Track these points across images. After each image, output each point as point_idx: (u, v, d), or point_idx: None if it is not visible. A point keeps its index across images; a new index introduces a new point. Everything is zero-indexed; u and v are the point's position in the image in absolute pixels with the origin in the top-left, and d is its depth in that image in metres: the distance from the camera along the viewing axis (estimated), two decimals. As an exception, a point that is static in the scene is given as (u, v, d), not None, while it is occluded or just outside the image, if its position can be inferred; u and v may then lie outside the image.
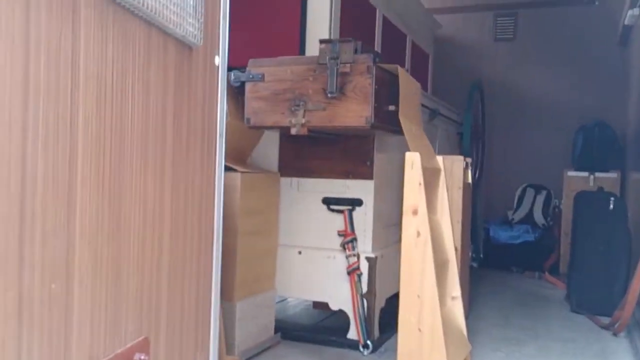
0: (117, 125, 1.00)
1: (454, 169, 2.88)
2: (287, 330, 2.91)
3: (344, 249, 2.75)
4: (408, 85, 2.52)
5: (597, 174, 4.81)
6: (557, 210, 5.12)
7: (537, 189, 5.38)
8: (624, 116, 4.97)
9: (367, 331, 2.71)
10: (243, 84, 2.44)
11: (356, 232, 2.76)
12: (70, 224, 0.89)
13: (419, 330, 2.11)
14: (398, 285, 2.19)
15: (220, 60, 1.40)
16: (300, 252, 2.87)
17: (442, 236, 2.39)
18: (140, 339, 1.09)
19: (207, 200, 1.38)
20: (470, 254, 3.74)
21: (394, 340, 2.32)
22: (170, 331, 1.23)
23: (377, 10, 3.56)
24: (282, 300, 3.57)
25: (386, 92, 2.37)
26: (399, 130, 2.39)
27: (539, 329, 3.23)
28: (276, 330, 2.83)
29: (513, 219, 5.34)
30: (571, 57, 5.43)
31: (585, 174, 4.85)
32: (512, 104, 5.63)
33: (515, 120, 5.63)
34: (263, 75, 2.39)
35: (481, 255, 4.95)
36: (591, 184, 4.77)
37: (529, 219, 5.29)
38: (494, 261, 4.97)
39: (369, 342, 2.69)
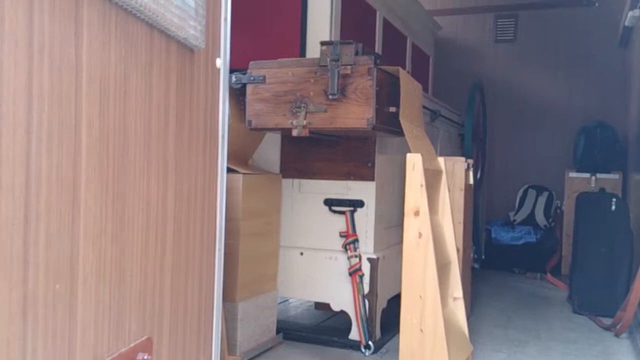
0: (120, 127, 1.01)
1: (456, 170, 2.88)
2: (289, 331, 2.92)
3: (346, 250, 2.76)
4: (409, 87, 2.53)
5: (599, 175, 4.81)
6: (558, 211, 5.12)
7: (539, 190, 5.38)
8: (626, 117, 4.98)
9: (369, 332, 2.72)
10: (244, 86, 2.45)
11: (358, 233, 2.77)
12: (75, 225, 0.89)
13: (421, 331, 2.11)
14: (400, 286, 2.20)
15: (221, 62, 1.41)
16: (302, 253, 2.87)
17: (443, 237, 2.40)
18: (143, 338, 1.10)
19: (209, 201, 1.39)
20: (471, 255, 3.74)
21: (396, 341, 2.33)
22: (172, 331, 1.23)
23: (378, 12, 3.57)
24: (284, 301, 3.57)
25: (387, 94, 2.37)
26: (400, 132, 2.40)
27: (541, 330, 3.23)
28: (278, 330, 2.83)
29: (515, 220, 5.34)
30: (572, 59, 5.44)
31: (587, 175, 4.85)
32: (512, 105, 5.64)
33: (516, 121, 5.63)
34: (264, 77, 2.40)
35: (483, 256, 4.96)
36: (593, 185, 4.78)
37: (530, 220, 5.29)
38: (495, 262, 4.97)
39: (370, 342, 2.70)
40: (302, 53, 2.89)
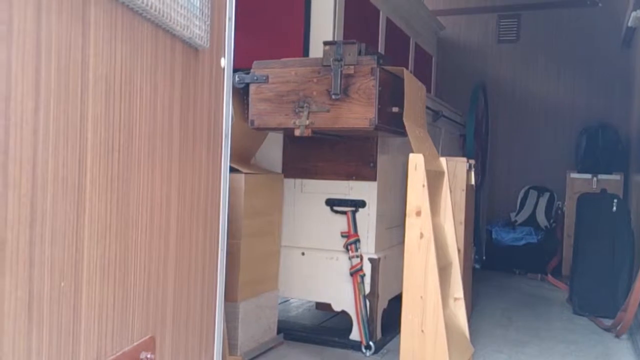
0: (125, 126, 1.01)
1: (457, 171, 2.89)
2: (290, 331, 2.92)
3: (347, 250, 2.76)
4: (413, 88, 2.53)
5: (600, 176, 4.81)
6: (560, 212, 5.12)
7: (540, 191, 5.38)
8: (628, 118, 4.97)
9: (370, 332, 2.72)
10: (247, 85, 2.45)
11: (359, 233, 2.77)
12: (80, 224, 0.90)
13: (422, 331, 2.12)
14: (401, 287, 2.20)
15: (226, 62, 1.41)
16: (303, 253, 2.88)
17: (445, 238, 2.40)
18: (146, 337, 1.11)
19: (212, 200, 1.39)
20: (472, 255, 3.75)
21: (397, 341, 2.33)
22: (175, 331, 1.24)
23: (381, 12, 3.58)
24: (285, 301, 3.58)
25: (390, 94, 2.37)
26: (402, 132, 2.40)
27: (541, 331, 3.23)
28: (279, 330, 2.84)
29: (516, 220, 5.35)
30: (574, 59, 5.44)
31: (589, 175, 4.85)
32: (515, 106, 5.64)
33: (519, 122, 5.63)
34: (267, 77, 2.41)
35: (484, 257, 4.96)
36: (594, 185, 4.78)
37: (531, 220, 5.30)
38: (496, 263, 4.97)
39: (371, 343, 2.70)
40: (305, 53, 2.90)
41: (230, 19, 1.41)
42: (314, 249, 2.86)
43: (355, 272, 2.73)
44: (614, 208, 3.68)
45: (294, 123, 2.34)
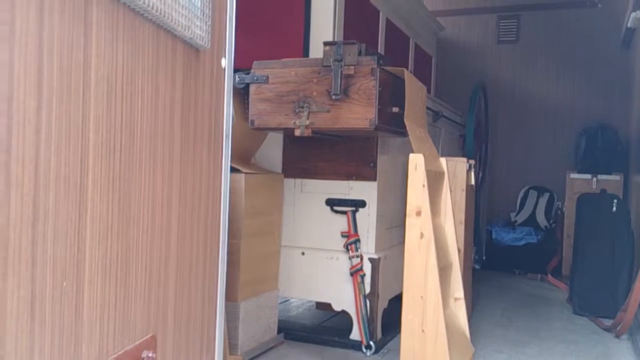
0: (126, 126, 1.01)
1: (457, 171, 2.89)
2: (290, 331, 2.93)
3: (347, 250, 2.76)
4: (414, 88, 2.54)
5: (600, 176, 4.82)
6: (559, 212, 5.13)
7: (540, 191, 5.39)
8: (627, 119, 4.98)
9: (370, 332, 2.72)
10: (247, 85, 2.45)
11: (359, 233, 2.77)
12: (81, 223, 0.90)
13: (422, 331, 2.12)
14: (401, 287, 2.20)
15: (226, 62, 1.41)
16: (303, 253, 2.88)
17: (445, 238, 2.40)
18: (147, 336, 1.11)
19: (213, 200, 1.39)
20: (472, 255, 3.75)
21: (397, 341, 2.34)
22: (176, 330, 1.24)
23: (381, 13, 3.58)
24: (285, 301, 3.58)
25: (390, 94, 2.38)
26: (402, 132, 2.41)
27: (541, 331, 3.24)
28: (279, 330, 2.84)
29: (516, 220, 5.35)
30: (574, 60, 5.44)
31: (588, 176, 4.86)
32: (515, 106, 5.64)
33: (518, 122, 5.64)
34: (267, 77, 2.41)
35: (484, 257, 4.96)
36: (594, 186, 4.78)
37: (531, 221, 5.30)
38: (496, 263, 4.98)
39: (371, 343, 2.71)
40: (305, 53, 2.90)
41: (230, 19, 1.42)
42: (314, 249, 2.86)
43: (356, 272, 2.73)
44: (614, 208, 3.69)
45: (294, 123, 2.34)
